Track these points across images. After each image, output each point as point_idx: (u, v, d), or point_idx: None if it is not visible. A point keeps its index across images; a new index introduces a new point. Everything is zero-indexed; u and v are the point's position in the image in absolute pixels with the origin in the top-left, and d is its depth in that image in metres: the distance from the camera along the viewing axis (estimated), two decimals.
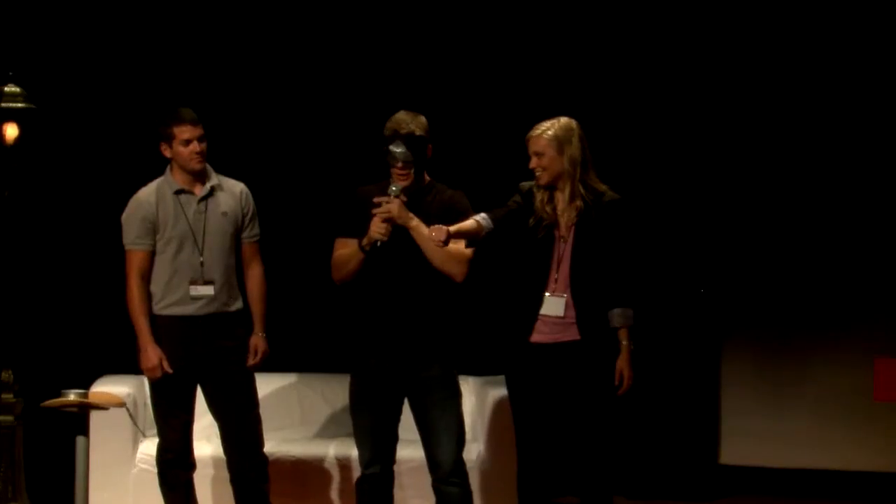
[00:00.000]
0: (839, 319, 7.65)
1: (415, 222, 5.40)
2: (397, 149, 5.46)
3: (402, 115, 5.53)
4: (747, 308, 7.74)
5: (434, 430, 5.56)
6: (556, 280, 5.50)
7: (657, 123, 7.61)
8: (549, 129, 5.49)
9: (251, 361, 6.00)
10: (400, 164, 5.47)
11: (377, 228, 5.42)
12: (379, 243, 5.43)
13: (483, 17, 7.59)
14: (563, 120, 5.53)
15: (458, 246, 5.45)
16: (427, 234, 5.35)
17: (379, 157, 5.58)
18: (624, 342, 5.48)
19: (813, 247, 7.65)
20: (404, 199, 5.44)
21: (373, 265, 5.53)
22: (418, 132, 5.49)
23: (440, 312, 5.56)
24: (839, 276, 7.63)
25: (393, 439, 5.63)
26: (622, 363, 5.47)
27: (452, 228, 5.35)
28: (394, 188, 5.46)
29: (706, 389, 7.69)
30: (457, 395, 5.62)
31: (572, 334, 5.47)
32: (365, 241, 5.46)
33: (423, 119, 5.55)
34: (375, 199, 5.44)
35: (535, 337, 5.50)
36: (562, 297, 5.48)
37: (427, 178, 5.61)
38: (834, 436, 7.59)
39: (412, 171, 5.49)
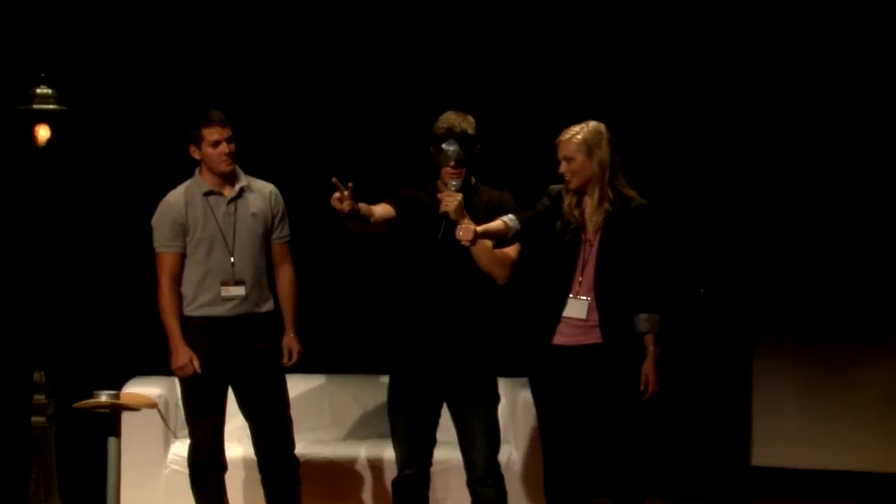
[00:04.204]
0: (872, 320, 7.60)
1: (466, 220, 5.34)
2: (450, 147, 5.46)
3: (452, 115, 5.53)
4: (779, 309, 7.70)
5: (471, 432, 5.58)
6: (580, 283, 5.47)
7: (688, 126, 7.57)
8: (578, 133, 5.47)
9: (287, 363, 6.01)
10: (453, 163, 5.47)
11: (450, 200, 5.33)
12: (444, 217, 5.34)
13: (512, 22, 7.57)
14: (592, 124, 5.50)
15: (487, 244, 5.44)
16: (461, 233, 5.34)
17: (426, 159, 5.57)
18: (650, 347, 5.45)
19: (846, 247, 7.60)
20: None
21: (417, 267, 5.54)
22: (470, 131, 5.50)
23: (482, 316, 5.57)
24: (872, 276, 7.58)
25: (430, 442, 5.63)
26: (648, 368, 5.45)
27: (480, 228, 5.33)
28: (453, 183, 5.44)
29: (738, 391, 7.65)
30: (495, 399, 5.64)
31: (595, 337, 5.45)
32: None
33: (472, 119, 5.56)
34: (439, 196, 5.42)
35: (558, 339, 5.48)
36: (585, 300, 5.46)
37: (472, 179, 5.61)
38: (866, 437, 7.55)
39: (463, 170, 5.49)
